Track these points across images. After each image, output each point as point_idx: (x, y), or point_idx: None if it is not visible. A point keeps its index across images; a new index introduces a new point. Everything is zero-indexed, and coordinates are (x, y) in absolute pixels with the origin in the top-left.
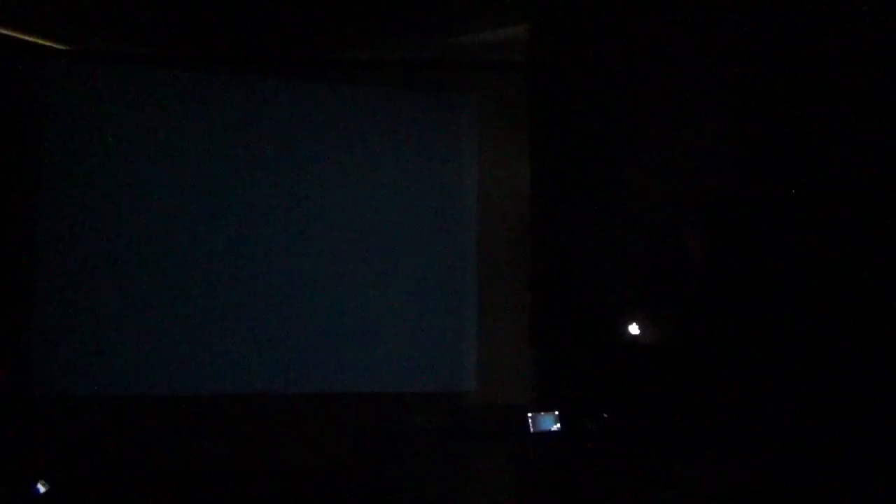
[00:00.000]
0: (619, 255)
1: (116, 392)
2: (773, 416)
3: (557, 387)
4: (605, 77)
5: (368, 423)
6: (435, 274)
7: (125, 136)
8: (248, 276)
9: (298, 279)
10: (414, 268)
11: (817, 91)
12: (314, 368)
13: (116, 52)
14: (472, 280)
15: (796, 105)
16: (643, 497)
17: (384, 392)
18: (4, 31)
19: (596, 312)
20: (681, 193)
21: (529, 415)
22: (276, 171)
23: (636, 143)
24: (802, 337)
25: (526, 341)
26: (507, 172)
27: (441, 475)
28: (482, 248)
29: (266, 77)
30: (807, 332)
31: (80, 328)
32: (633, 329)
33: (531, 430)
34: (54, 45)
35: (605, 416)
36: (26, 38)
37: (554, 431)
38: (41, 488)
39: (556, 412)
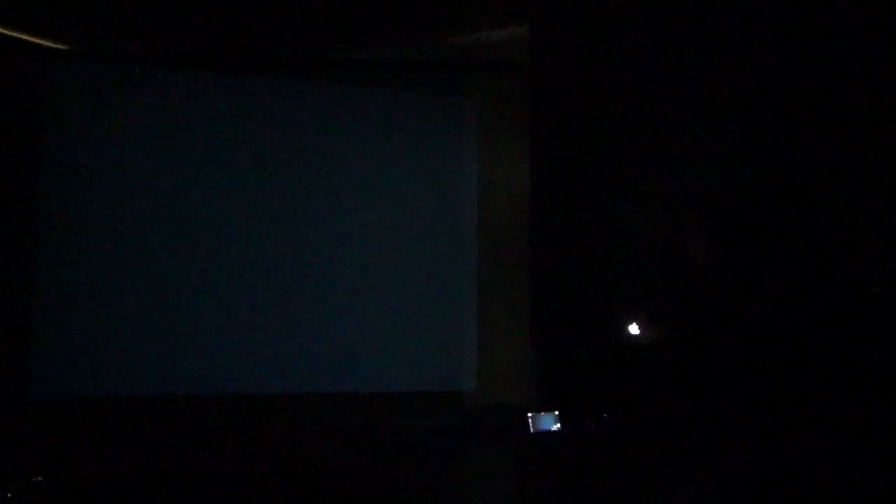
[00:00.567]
0: (619, 255)
1: (116, 392)
2: (772, 415)
3: (557, 387)
4: (605, 77)
5: (368, 423)
6: (435, 274)
7: (125, 136)
8: (248, 276)
9: (298, 279)
10: (414, 268)
11: (818, 91)
12: (314, 368)
13: (116, 51)
14: (472, 280)
15: (797, 105)
16: (643, 497)
17: (384, 392)
18: (4, 31)
19: (596, 312)
20: (681, 193)
21: (529, 415)
22: (275, 171)
23: (636, 143)
24: (803, 337)
25: (526, 341)
26: (507, 172)
27: (441, 475)
28: (482, 248)
29: (266, 77)
30: (807, 332)
31: (79, 328)
32: (633, 329)
33: (531, 430)
34: (54, 45)
35: (605, 416)
36: (26, 38)
37: (554, 431)
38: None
39: (556, 412)
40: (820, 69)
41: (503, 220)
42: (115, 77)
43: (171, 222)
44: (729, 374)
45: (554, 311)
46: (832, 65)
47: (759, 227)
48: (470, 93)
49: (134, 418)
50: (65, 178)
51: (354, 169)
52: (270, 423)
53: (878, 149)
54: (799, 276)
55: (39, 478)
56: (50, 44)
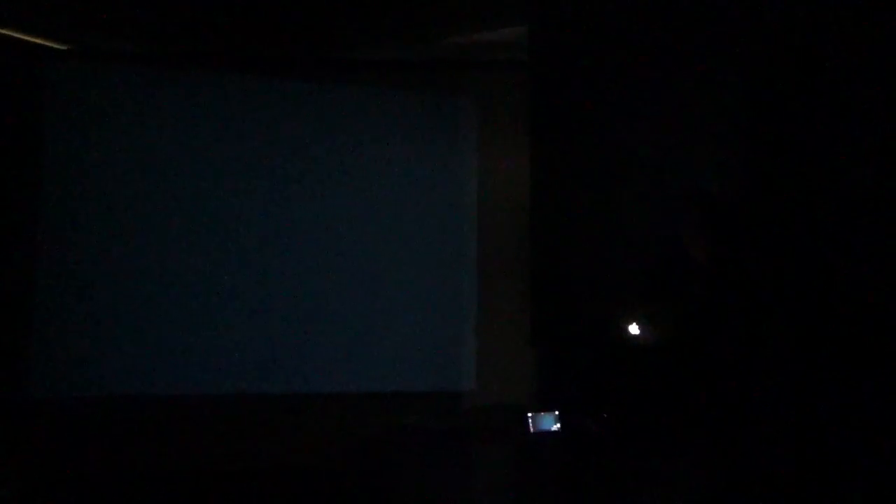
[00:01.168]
0: (619, 255)
1: (116, 392)
2: (773, 416)
3: (557, 387)
4: (605, 77)
5: (368, 423)
6: (435, 274)
7: (125, 136)
8: (248, 276)
9: (298, 279)
10: (414, 267)
11: (820, 91)
12: (314, 368)
13: (116, 52)
14: (472, 280)
15: (799, 105)
16: (643, 497)
17: (384, 392)
18: (4, 31)
19: (596, 312)
20: (682, 193)
21: (529, 415)
22: (275, 171)
23: (637, 143)
24: (803, 337)
25: (526, 341)
26: (507, 172)
27: (441, 475)
28: (482, 248)
29: (266, 77)
30: (808, 333)
31: (79, 328)
32: (633, 329)
33: (531, 430)
34: (54, 45)
35: (605, 416)
36: (26, 38)
37: (554, 431)
38: None
39: (556, 412)
40: (822, 69)
41: (503, 220)
42: (115, 77)
43: (171, 222)
44: (729, 374)
45: (554, 311)
46: (834, 64)
47: (759, 227)
48: (470, 93)
49: (134, 418)
50: (65, 178)
51: (353, 169)
52: (270, 423)
53: (879, 149)
54: (799, 276)
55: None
56: (50, 44)
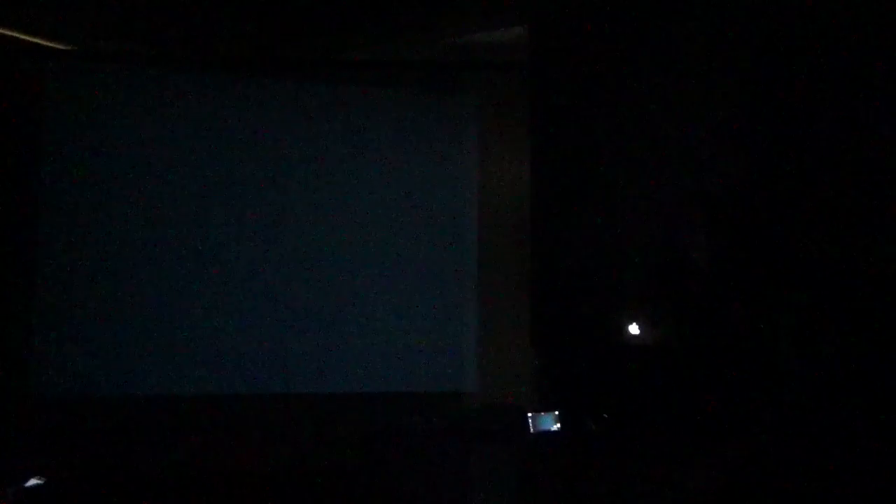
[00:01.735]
0: (619, 255)
1: (116, 392)
2: (773, 416)
3: (557, 387)
4: (604, 77)
5: (368, 423)
6: (435, 274)
7: (127, 137)
8: (248, 276)
9: (298, 279)
10: (414, 268)
11: (820, 91)
12: (314, 368)
13: (117, 52)
14: (472, 280)
15: (798, 105)
16: (643, 497)
17: (384, 392)
18: (4, 31)
19: (596, 312)
20: (681, 193)
21: (529, 415)
22: (275, 172)
23: (636, 143)
24: (803, 337)
25: (526, 341)
26: (507, 172)
27: (441, 475)
28: (482, 248)
29: (266, 77)
30: (808, 333)
31: (79, 328)
32: (633, 329)
33: (531, 430)
34: (54, 45)
35: (605, 416)
36: (26, 38)
37: (554, 431)
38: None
39: (556, 412)
40: (822, 68)
41: (503, 220)
42: (115, 77)
43: (172, 222)
44: (729, 374)
45: (554, 311)
46: (834, 64)
47: (759, 227)
48: (470, 93)
49: (134, 418)
50: (65, 179)
51: (353, 169)
52: (270, 423)
53: (881, 149)
54: (800, 276)
55: (39, 480)
56: (52, 44)
